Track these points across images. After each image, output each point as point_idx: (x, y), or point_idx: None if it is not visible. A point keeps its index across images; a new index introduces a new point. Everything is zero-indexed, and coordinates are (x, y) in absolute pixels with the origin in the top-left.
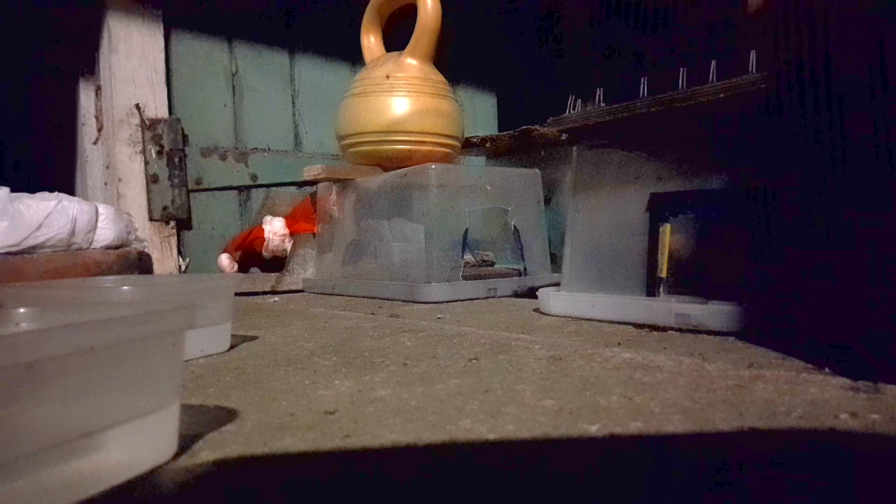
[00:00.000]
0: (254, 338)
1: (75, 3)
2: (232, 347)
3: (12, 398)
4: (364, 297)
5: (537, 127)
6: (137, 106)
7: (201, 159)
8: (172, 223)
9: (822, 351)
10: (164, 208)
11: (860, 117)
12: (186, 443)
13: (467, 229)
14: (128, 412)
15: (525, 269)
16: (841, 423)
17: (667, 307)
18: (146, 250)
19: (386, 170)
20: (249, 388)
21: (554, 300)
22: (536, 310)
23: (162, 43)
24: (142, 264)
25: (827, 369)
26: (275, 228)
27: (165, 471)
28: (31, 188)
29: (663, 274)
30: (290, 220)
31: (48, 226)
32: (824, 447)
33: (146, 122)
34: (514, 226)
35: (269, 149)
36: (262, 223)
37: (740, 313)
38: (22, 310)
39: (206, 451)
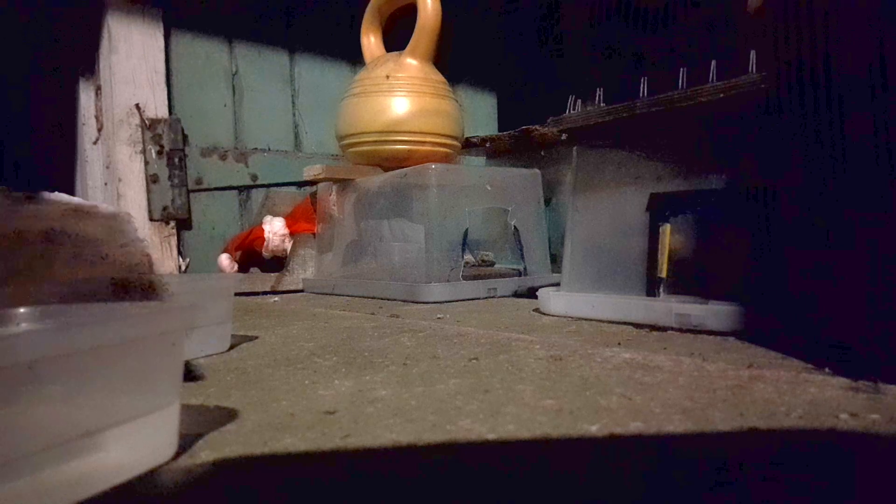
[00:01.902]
0: (254, 338)
1: (75, 3)
2: (232, 347)
3: (12, 398)
4: (364, 297)
5: (537, 127)
6: (137, 106)
7: (201, 159)
8: (172, 223)
9: (822, 351)
10: (164, 208)
11: (860, 117)
12: (186, 443)
13: (467, 229)
14: (128, 412)
15: (525, 269)
16: (841, 423)
17: (667, 307)
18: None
19: (386, 170)
20: (249, 388)
21: (554, 300)
22: (536, 310)
23: (162, 43)
24: None
25: (827, 369)
26: (275, 228)
27: (165, 471)
28: (32, 188)
29: (663, 274)
30: (290, 220)
31: None
32: (824, 447)
33: (146, 122)
34: (514, 226)
35: (269, 149)
36: (262, 223)
37: (740, 313)
38: (22, 310)
39: (206, 451)
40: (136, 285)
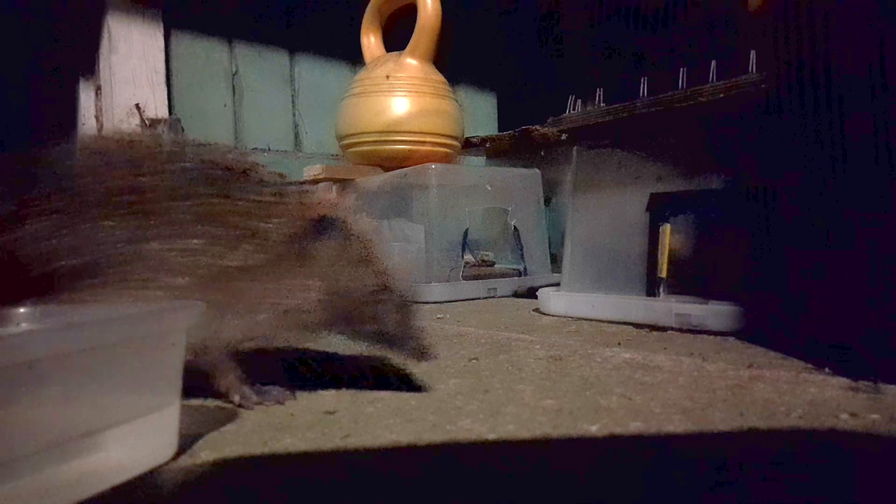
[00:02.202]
0: None
1: (75, 3)
2: None
3: (12, 398)
4: None
5: (537, 127)
6: (137, 106)
7: None
8: None
9: (822, 351)
10: None
11: (860, 117)
12: (186, 443)
13: (467, 229)
14: (128, 412)
15: (525, 269)
16: (841, 423)
17: (667, 307)
18: None
19: (386, 170)
20: None
21: (554, 300)
22: (536, 310)
23: (162, 43)
24: None
25: (827, 369)
26: None
27: (165, 471)
28: None
29: (663, 274)
30: None
31: None
32: (824, 447)
33: (146, 122)
34: (514, 226)
35: (269, 149)
36: None
37: (740, 313)
38: (22, 310)
39: (206, 451)
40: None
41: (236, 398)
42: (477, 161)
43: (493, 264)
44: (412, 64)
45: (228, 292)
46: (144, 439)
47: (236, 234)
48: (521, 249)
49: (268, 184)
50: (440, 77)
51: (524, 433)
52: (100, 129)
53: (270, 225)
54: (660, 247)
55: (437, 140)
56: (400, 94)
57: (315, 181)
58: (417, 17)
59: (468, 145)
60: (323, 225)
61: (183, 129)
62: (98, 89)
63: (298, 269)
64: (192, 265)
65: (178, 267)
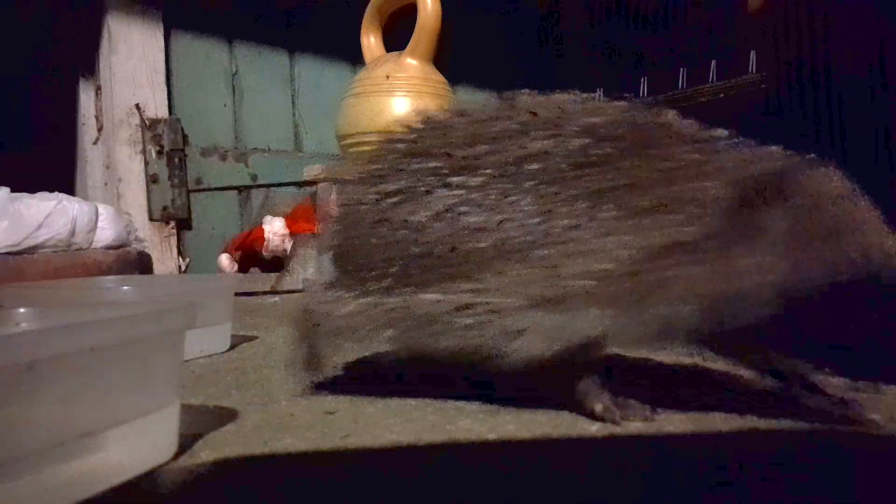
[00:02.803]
0: (254, 338)
1: (75, 3)
2: (232, 347)
3: (12, 398)
4: None
5: None
6: (137, 106)
7: (201, 159)
8: (172, 223)
9: (822, 351)
10: (164, 208)
11: (860, 117)
12: (186, 443)
13: None
14: (128, 412)
15: None
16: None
17: None
18: (146, 250)
19: None
20: (249, 388)
21: None
22: None
23: (162, 43)
24: (142, 264)
25: (827, 369)
26: (275, 228)
27: (165, 471)
28: (31, 188)
29: None
30: (290, 220)
31: (48, 226)
32: (824, 447)
33: (146, 122)
34: None
35: (269, 149)
36: (262, 223)
37: None
38: (22, 310)
39: (206, 451)
40: None
41: (598, 407)
42: None
43: None
44: (412, 64)
45: (649, 278)
46: (144, 439)
47: (657, 203)
48: None
49: (687, 139)
50: (440, 77)
51: (524, 433)
52: (100, 129)
53: (702, 190)
54: None
55: None
56: (400, 94)
57: (315, 181)
58: (417, 17)
59: None
60: (775, 185)
61: (183, 129)
62: (98, 89)
63: (743, 245)
64: (608, 244)
65: (592, 248)
